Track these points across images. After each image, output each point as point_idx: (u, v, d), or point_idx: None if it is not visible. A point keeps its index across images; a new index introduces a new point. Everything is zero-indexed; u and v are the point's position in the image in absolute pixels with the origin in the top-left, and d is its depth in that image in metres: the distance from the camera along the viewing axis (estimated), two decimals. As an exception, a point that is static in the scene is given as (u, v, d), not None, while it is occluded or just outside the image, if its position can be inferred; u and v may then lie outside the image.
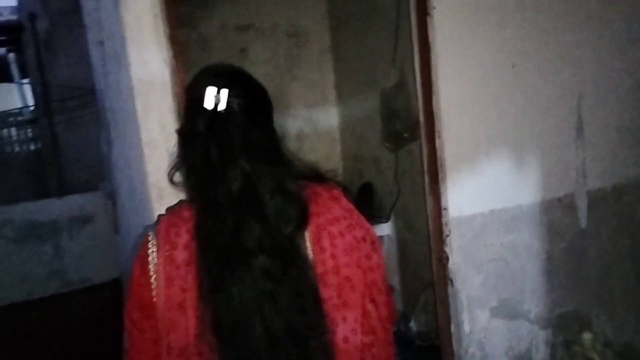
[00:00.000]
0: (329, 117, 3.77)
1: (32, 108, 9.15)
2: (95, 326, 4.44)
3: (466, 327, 2.20)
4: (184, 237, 1.09)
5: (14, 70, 9.88)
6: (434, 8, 1.99)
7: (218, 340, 1.04)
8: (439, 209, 2.13)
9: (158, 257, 1.09)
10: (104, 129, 3.26)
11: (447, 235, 2.12)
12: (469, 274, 2.17)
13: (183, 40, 3.33)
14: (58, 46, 7.91)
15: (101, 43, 2.59)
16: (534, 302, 2.30)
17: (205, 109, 1.07)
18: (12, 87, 9.94)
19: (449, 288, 2.17)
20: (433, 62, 2.03)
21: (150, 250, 1.11)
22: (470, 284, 2.18)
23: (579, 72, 2.28)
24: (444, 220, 2.12)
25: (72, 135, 7.76)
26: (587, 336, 2.32)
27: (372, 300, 1.15)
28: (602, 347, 2.41)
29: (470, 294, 2.19)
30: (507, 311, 2.25)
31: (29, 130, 9.07)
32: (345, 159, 3.76)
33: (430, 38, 2.02)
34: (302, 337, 1.05)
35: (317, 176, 1.21)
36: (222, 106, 1.07)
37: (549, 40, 2.21)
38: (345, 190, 1.23)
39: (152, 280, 1.10)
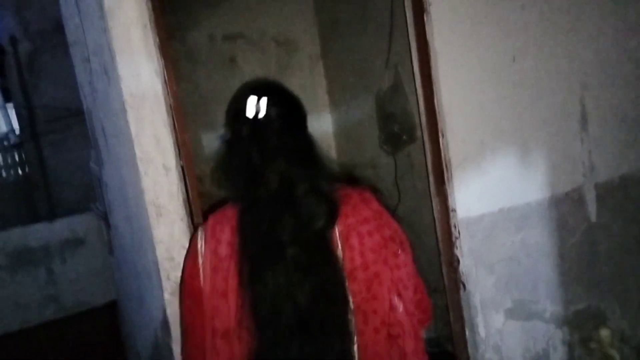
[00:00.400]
0: (323, 124, 3.70)
1: (17, 132, 9.02)
2: (93, 351, 4.34)
3: (481, 332, 2.13)
4: (227, 233, 1.22)
5: (-4, 94, 9.76)
6: (430, 4, 1.94)
7: (255, 324, 1.15)
8: (446, 211, 2.07)
9: (205, 251, 1.23)
10: (94, 148, 3.17)
11: (457, 238, 2.06)
12: (480, 276, 2.11)
13: (170, 54, 3.28)
14: (41, 68, 7.81)
15: (87, 60, 2.51)
16: (548, 301, 2.24)
17: (247, 117, 1.21)
18: (-4, 111, 9.80)
19: (461, 292, 2.10)
20: (432, 60, 1.98)
21: (199, 245, 1.25)
22: (483, 287, 2.11)
23: (581, 63, 2.23)
24: (452, 222, 2.05)
25: (60, 157, 7.65)
26: (605, 333, 2.26)
27: (399, 295, 1.23)
28: (619, 342, 2.35)
29: (483, 296, 2.12)
30: (521, 312, 2.19)
31: (16, 154, 8.93)
32: (341, 166, 3.70)
33: (428, 35, 1.96)
34: (327, 323, 1.16)
35: (350, 179, 1.34)
36: (262, 114, 1.20)
37: (549, 31, 2.17)
38: (377, 193, 1.33)
39: (200, 271, 1.23)
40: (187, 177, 1.70)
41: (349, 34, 3.26)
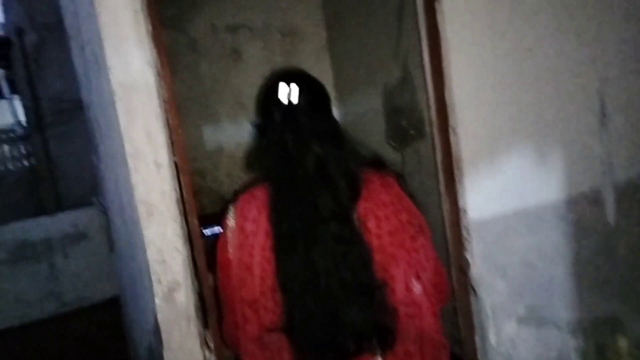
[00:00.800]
0: (329, 118, 3.58)
1: (23, 124, 8.98)
2: (95, 347, 4.27)
3: (492, 339, 2.01)
4: (253, 212, 1.31)
5: (4, 86, 9.74)
6: (443, -8, 1.82)
7: (290, 294, 1.24)
8: (456, 212, 1.95)
9: (234, 227, 1.33)
10: (92, 141, 3.09)
11: (467, 240, 1.94)
12: (492, 281, 1.99)
13: (172, 43, 3.17)
14: (47, 59, 7.74)
15: (82, 49, 2.42)
16: (563, 308, 2.12)
17: (279, 103, 1.31)
18: (2, 103, 9.78)
19: (472, 297, 1.99)
20: (444, 51, 1.86)
21: (229, 221, 1.35)
22: (495, 292, 2.00)
23: (600, 54, 2.10)
24: (462, 223, 1.94)
25: (66, 150, 7.59)
26: (622, 342, 2.14)
27: (417, 277, 1.28)
28: (636, 351, 2.23)
29: (494, 302, 2.01)
30: (535, 319, 2.07)
31: (22, 146, 8.90)
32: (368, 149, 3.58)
33: (440, 24, 1.84)
34: (369, 289, 1.24)
35: (375, 162, 1.40)
36: (293, 99, 1.30)
37: (566, 20, 2.03)
38: (400, 178, 1.41)
39: (229, 245, 1.34)
40: (180, 175, 1.59)
41: (356, 24, 3.14)
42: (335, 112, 3.57)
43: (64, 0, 2.98)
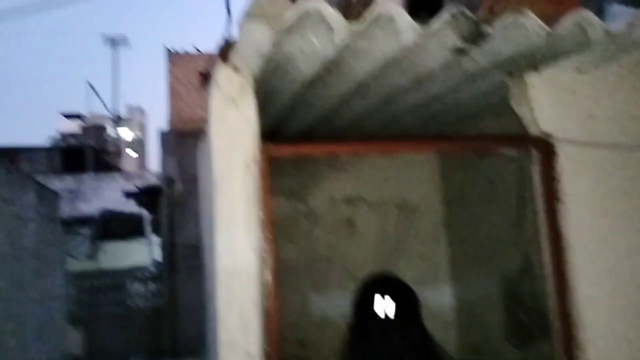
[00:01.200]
0: (442, 297, 3.37)
1: (157, 264, 9.69)
2: None
3: None
4: None
5: (147, 228, 10.77)
6: (566, 193, 1.70)
7: None
8: None
9: None
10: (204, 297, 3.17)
11: None
12: None
13: (291, 212, 3.30)
14: (189, 207, 8.49)
15: (203, 214, 2.58)
16: None
17: (374, 314, 1.43)
18: (143, 243, 10.72)
19: None
20: (566, 255, 1.69)
21: None
22: None
23: None
24: None
25: (189, 294, 7.94)
26: None
27: None
28: None
29: None
30: None
31: (151, 285, 9.50)
32: (461, 348, 3.27)
33: (562, 227, 1.70)
34: None
35: None
36: (389, 313, 1.39)
37: None
38: None
39: None
40: (270, 368, 1.52)
41: (475, 205, 3.06)
42: (450, 292, 3.39)
43: (200, 163, 3.27)
